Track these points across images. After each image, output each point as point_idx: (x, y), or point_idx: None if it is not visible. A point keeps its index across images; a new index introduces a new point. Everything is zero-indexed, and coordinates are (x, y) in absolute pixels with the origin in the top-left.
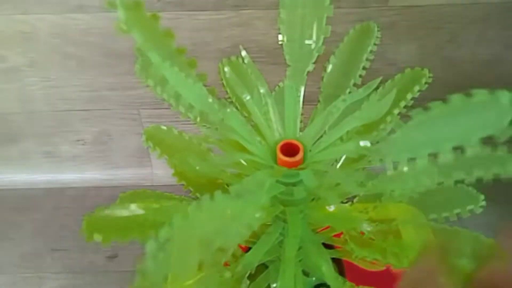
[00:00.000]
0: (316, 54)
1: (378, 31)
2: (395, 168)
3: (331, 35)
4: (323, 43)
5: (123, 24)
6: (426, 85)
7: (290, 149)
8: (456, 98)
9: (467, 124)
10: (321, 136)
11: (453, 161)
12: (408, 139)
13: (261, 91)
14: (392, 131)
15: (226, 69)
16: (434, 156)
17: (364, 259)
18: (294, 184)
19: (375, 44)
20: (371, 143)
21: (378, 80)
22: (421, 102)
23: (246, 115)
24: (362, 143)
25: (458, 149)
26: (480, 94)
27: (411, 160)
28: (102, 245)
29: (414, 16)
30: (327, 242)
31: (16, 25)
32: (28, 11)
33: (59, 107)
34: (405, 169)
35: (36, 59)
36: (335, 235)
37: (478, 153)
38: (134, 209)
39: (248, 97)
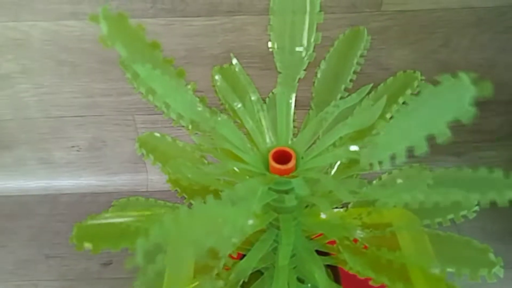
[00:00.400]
0: (307, 61)
1: (368, 35)
2: (389, 173)
3: (324, 40)
4: (314, 50)
5: (106, 37)
6: (418, 88)
7: (282, 156)
8: (424, 87)
9: (435, 110)
10: (314, 143)
11: (451, 180)
12: (388, 138)
13: (252, 98)
14: (377, 133)
15: (217, 77)
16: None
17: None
18: (286, 192)
19: (365, 49)
20: (360, 148)
21: (370, 85)
22: None
23: (238, 122)
24: (352, 148)
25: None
26: (446, 79)
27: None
28: (92, 253)
29: (407, 21)
30: (321, 249)
31: (8, 32)
32: (20, 18)
33: (53, 113)
34: (399, 181)
35: (29, 66)
36: (329, 242)
37: (474, 174)
38: (126, 216)
39: (239, 105)
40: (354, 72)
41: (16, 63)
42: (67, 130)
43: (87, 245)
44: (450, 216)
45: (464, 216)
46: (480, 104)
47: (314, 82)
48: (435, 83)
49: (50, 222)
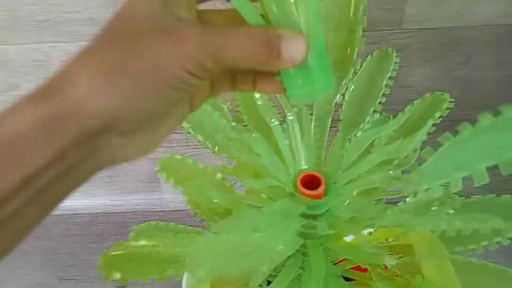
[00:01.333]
0: (345, 85)
1: (396, 56)
2: (414, 195)
3: None
4: (353, 75)
5: None
6: (448, 110)
7: (310, 181)
8: (484, 118)
9: (498, 141)
10: (348, 168)
11: (482, 206)
12: (439, 165)
13: (289, 118)
14: (423, 159)
15: (257, 95)
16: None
17: None
18: (315, 217)
19: (394, 70)
20: (402, 173)
21: (403, 118)
22: (436, 123)
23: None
24: (393, 174)
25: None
26: (509, 111)
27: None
28: (120, 283)
29: (427, 39)
30: (345, 275)
31: (29, 53)
32: (42, 39)
33: None
34: (434, 208)
35: None
36: (353, 267)
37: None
38: (151, 245)
39: (276, 123)
40: (383, 95)
41: (35, 84)
42: None
43: (116, 275)
44: (484, 242)
45: (498, 243)
46: None
47: (342, 104)
48: (496, 113)
49: (64, 243)
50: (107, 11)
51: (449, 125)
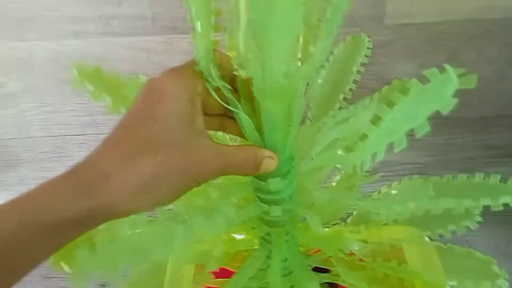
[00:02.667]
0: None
1: (369, 41)
2: (388, 186)
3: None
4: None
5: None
6: None
7: None
8: (413, 85)
9: (418, 106)
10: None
11: (444, 187)
12: (372, 140)
13: None
14: (365, 137)
15: None
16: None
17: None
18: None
19: (366, 56)
20: (347, 152)
21: (368, 97)
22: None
23: None
24: (339, 152)
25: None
26: (432, 75)
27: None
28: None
29: (411, 34)
30: (321, 266)
31: (13, 51)
32: (24, 38)
33: (54, 132)
34: (393, 192)
35: (32, 85)
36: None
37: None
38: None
39: None
40: (354, 82)
41: (21, 82)
42: (68, 149)
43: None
44: (452, 227)
45: (466, 227)
46: (491, 119)
47: (309, 91)
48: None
49: None
50: (88, 10)
51: (440, 123)
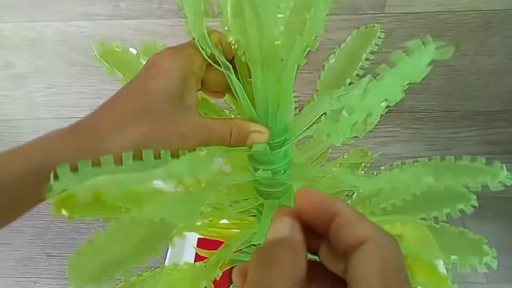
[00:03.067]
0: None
1: (381, 31)
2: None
3: (328, 42)
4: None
5: None
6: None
7: None
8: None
9: (396, 77)
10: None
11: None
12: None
13: None
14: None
15: None
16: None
17: None
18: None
19: (376, 45)
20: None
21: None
22: (427, 113)
23: None
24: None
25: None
26: (415, 46)
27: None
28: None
29: (412, 23)
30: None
31: (23, 32)
32: (35, 18)
33: (62, 114)
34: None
35: (42, 66)
36: None
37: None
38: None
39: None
40: (362, 68)
41: (30, 63)
42: None
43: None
44: (447, 210)
45: (461, 210)
46: (495, 113)
47: (320, 76)
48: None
49: (55, 222)
50: None
51: (443, 115)
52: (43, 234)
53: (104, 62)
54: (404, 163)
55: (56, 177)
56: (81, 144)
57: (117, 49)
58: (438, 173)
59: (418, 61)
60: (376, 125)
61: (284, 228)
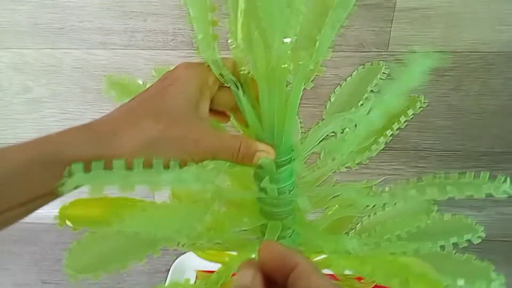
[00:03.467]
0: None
1: (386, 67)
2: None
3: (334, 77)
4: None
5: None
6: (421, 109)
7: None
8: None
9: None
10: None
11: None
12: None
13: None
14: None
15: None
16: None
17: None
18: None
19: (381, 78)
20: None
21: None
22: (432, 152)
23: None
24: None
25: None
26: (410, 59)
27: None
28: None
29: None
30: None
31: (44, 58)
32: (56, 45)
33: None
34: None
35: (58, 91)
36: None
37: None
38: None
39: None
40: (366, 99)
41: (47, 88)
42: None
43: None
44: (454, 239)
45: (468, 241)
46: (499, 154)
47: (326, 106)
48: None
49: (53, 249)
50: (116, 21)
51: (447, 154)
52: (41, 260)
53: (113, 93)
54: (408, 181)
55: (70, 174)
56: (93, 137)
57: (123, 82)
58: (442, 188)
59: (413, 70)
60: (381, 162)
61: (247, 278)
